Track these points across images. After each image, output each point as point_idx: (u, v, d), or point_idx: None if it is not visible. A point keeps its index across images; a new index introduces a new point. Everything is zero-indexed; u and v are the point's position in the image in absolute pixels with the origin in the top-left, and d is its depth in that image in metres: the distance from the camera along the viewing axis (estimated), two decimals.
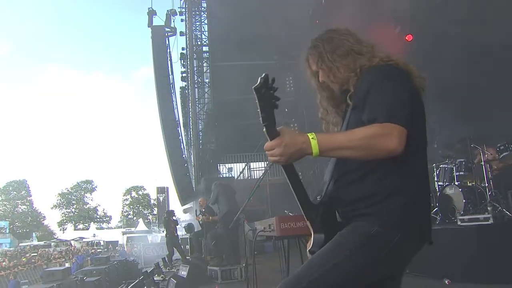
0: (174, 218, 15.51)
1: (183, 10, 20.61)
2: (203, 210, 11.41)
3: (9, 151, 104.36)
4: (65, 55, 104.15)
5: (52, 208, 71.31)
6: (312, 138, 1.71)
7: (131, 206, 74.65)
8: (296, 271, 1.87)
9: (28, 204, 68.58)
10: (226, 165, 20.14)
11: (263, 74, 1.68)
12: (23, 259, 26.55)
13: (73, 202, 72.30)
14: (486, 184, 6.94)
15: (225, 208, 9.39)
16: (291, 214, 3.88)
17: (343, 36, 2.05)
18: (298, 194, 1.86)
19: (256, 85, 1.68)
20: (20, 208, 67.07)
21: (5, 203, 66.15)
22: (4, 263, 24.30)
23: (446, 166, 7.83)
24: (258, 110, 1.70)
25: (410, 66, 1.94)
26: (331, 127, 2.17)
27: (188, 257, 13.28)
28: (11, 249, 42.60)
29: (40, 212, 69.71)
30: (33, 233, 59.26)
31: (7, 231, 54.92)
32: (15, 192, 67.19)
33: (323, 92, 2.16)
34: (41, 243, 48.71)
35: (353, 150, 1.70)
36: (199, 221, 11.63)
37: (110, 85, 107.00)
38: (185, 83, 21.31)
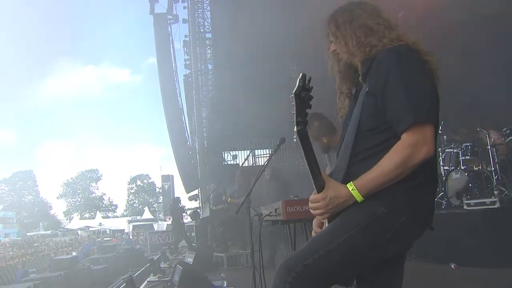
0: (180, 205, 15.56)
1: None
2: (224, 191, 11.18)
3: (15, 142, 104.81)
4: (71, 48, 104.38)
5: (58, 197, 71.88)
6: (352, 189, 1.81)
7: (137, 195, 75.17)
8: (301, 248, 1.90)
9: (34, 194, 69.08)
10: (231, 152, 20.13)
11: (300, 75, 1.70)
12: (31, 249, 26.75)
13: (79, 191, 72.80)
14: (492, 168, 6.91)
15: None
16: (296, 198, 3.86)
17: (361, 10, 2.05)
18: (311, 168, 1.84)
19: (295, 89, 1.69)
20: (26, 198, 67.56)
21: (12, 193, 66.62)
22: (12, 252, 24.50)
23: (452, 150, 7.78)
24: (293, 112, 1.72)
25: (421, 45, 1.93)
26: (342, 98, 2.18)
27: (194, 244, 13.34)
28: (19, 238, 42.93)
29: (46, 202, 70.23)
30: (40, 223, 59.70)
31: (14, 221, 55.32)
32: (21, 183, 67.59)
33: (336, 63, 2.15)
34: (48, 232, 49.10)
35: (392, 180, 1.77)
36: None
37: (115, 76, 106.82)
38: (189, 71, 21.26)
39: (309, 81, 1.70)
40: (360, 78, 1.98)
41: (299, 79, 1.69)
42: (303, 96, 1.70)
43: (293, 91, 1.70)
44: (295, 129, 1.75)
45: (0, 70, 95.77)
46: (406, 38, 1.94)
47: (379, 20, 2.01)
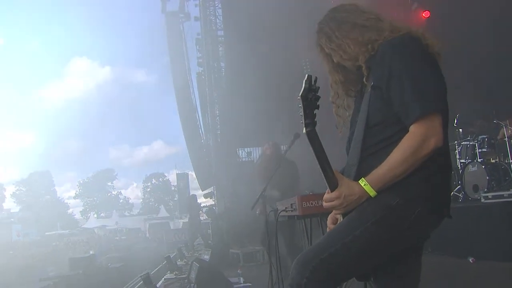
0: (196, 203, 15.66)
1: None
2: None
3: (32, 143, 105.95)
4: (88, 49, 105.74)
5: (74, 197, 72.58)
6: (365, 185, 1.81)
7: (152, 193, 75.54)
8: (317, 242, 1.91)
9: (51, 194, 69.74)
10: (245, 149, 20.12)
11: (306, 76, 1.71)
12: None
13: (95, 191, 73.37)
14: (510, 160, 6.82)
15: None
16: (311, 193, 3.85)
17: (344, 13, 2.05)
18: (323, 168, 1.84)
19: (301, 92, 1.70)
20: (44, 198, 68.14)
21: (30, 194, 67.27)
22: (31, 251, 24.83)
23: (468, 143, 7.69)
24: (301, 114, 1.73)
25: (421, 32, 1.92)
26: (341, 111, 2.17)
27: (210, 241, 13.40)
28: (38, 238, 43.43)
29: (63, 202, 70.94)
30: (58, 223, 60.25)
31: (33, 221, 55.93)
32: (38, 183, 68.25)
33: (336, 75, 2.15)
34: (66, 231, 49.53)
35: (403, 173, 1.77)
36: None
37: (132, 76, 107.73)
38: (202, 69, 21.29)
39: (315, 81, 1.70)
40: (364, 78, 1.97)
41: (305, 81, 1.69)
42: (310, 98, 1.70)
43: (300, 94, 1.70)
44: (304, 131, 1.75)
45: (17, 71, 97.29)
46: (402, 26, 1.94)
47: (366, 15, 2.01)
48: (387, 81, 1.82)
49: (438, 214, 1.86)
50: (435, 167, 1.81)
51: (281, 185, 5.82)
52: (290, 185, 6.09)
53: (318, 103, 1.72)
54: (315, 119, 1.73)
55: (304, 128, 1.74)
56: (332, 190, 1.86)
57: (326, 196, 1.90)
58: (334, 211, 1.98)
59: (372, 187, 1.80)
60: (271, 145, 6.61)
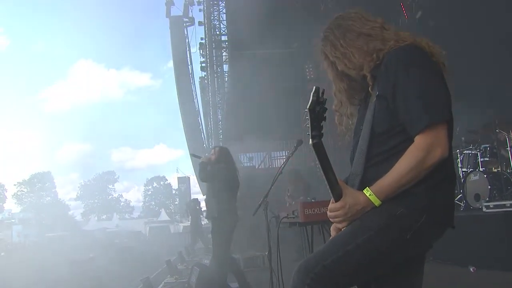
0: (198, 207, 15.65)
1: None
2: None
3: (34, 144, 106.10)
4: (94, 51, 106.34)
5: (75, 199, 72.51)
6: (370, 194, 1.80)
7: (153, 196, 75.50)
8: (320, 249, 1.91)
9: (52, 195, 69.63)
10: (247, 154, 20.13)
11: (314, 88, 1.71)
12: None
13: (96, 193, 73.32)
14: None
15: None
16: (313, 200, 3.86)
17: (350, 21, 2.03)
18: (328, 178, 1.84)
19: (309, 105, 1.70)
20: (45, 199, 68.02)
21: (31, 195, 67.19)
22: (31, 253, 24.80)
23: (470, 152, 7.69)
24: (308, 126, 1.73)
25: (426, 41, 1.92)
26: (344, 119, 2.16)
27: (211, 246, 13.37)
28: (38, 239, 43.30)
29: (64, 203, 70.82)
30: (58, 224, 60.08)
31: (34, 222, 55.80)
32: (40, 184, 68.21)
33: (340, 84, 2.14)
34: (66, 233, 49.38)
35: (408, 183, 1.76)
36: None
37: (136, 80, 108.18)
38: (205, 73, 21.31)
39: (322, 93, 1.71)
40: (370, 88, 1.97)
41: (313, 93, 1.70)
42: (318, 110, 1.71)
43: (307, 106, 1.71)
44: (310, 142, 1.76)
45: (22, 72, 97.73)
46: (407, 36, 1.94)
47: (372, 24, 2.00)
48: (392, 91, 1.82)
49: (442, 224, 1.86)
50: (440, 177, 1.80)
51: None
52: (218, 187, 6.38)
53: (325, 115, 1.73)
54: (322, 131, 1.74)
55: (310, 140, 1.75)
56: (336, 200, 1.86)
57: (330, 206, 1.90)
58: (339, 224, 1.95)
59: (377, 197, 1.79)
60: (216, 151, 6.69)
